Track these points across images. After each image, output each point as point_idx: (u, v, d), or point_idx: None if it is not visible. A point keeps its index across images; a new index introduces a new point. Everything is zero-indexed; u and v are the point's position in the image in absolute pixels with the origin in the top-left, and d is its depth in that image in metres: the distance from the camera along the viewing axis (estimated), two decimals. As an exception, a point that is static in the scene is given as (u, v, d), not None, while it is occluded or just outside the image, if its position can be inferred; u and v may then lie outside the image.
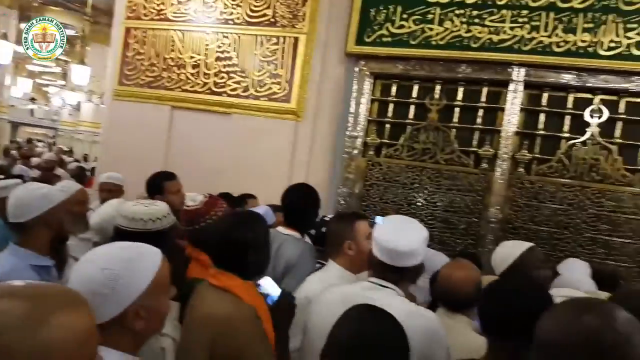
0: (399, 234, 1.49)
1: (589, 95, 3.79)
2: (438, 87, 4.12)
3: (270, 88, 4.19)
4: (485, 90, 4.02)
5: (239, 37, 4.29)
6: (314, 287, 1.71)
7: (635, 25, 3.53)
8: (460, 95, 4.08)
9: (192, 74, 4.44)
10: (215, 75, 4.37)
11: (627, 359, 0.81)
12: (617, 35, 3.57)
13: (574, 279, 2.30)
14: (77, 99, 15.72)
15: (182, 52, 4.47)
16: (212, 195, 2.09)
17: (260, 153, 4.15)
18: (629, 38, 3.54)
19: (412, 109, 4.20)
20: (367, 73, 4.20)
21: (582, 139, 3.78)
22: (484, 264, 3.10)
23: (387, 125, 4.28)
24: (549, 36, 3.70)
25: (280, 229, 2.27)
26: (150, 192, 2.90)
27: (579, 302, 0.95)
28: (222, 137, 4.26)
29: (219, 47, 4.36)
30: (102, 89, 11.46)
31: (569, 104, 3.84)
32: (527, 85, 3.88)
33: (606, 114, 3.73)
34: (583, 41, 3.64)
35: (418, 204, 4.14)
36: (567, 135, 3.83)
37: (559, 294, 1.66)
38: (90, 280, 1.06)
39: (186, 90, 4.44)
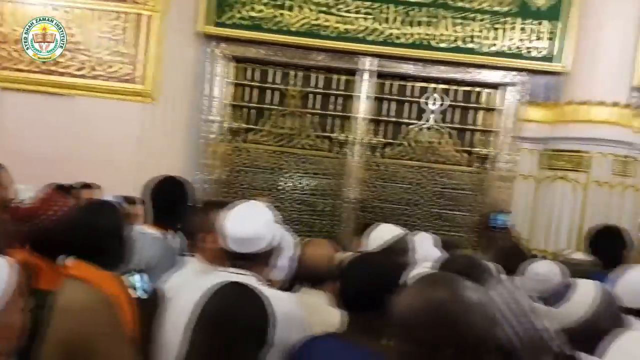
0: (242, 221, 1.46)
1: (428, 85, 4.19)
2: (296, 74, 4.17)
3: (116, 68, 3.82)
4: (338, 78, 4.20)
5: (80, 11, 3.82)
6: (172, 285, 1.60)
7: (466, 21, 3.97)
8: (316, 83, 4.19)
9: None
10: (51, 52, 3.84)
11: (473, 328, 0.87)
12: (450, 30, 3.97)
13: (429, 254, 2.46)
14: None
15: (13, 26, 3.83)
16: (52, 189, 1.83)
17: (106, 138, 3.77)
18: (461, 32, 3.98)
19: (272, 94, 4.20)
20: (224, 56, 4.08)
21: (424, 124, 4.17)
22: (344, 242, 3.25)
23: (248, 110, 4.22)
24: (394, 28, 3.98)
25: (142, 227, 2.09)
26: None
27: (427, 278, 1.00)
28: (61, 122, 3.79)
29: (54, 21, 3.83)
30: None
31: (412, 92, 4.21)
32: (376, 74, 4.13)
33: (442, 101, 4.16)
34: (423, 34, 3.98)
35: (282, 188, 4.18)
36: (411, 121, 4.20)
37: (423, 267, 1.78)
38: None
39: (15, 70, 3.83)
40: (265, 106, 4.18)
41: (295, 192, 4.19)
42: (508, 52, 3.98)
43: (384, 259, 1.56)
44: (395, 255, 2.04)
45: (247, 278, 1.34)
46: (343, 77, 4.20)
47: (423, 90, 4.21)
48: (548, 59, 3.96)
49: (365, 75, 4.12)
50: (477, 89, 4.20)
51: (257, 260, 1.47)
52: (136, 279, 1.65)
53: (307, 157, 4.17)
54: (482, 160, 4.18)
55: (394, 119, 4.21)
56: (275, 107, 4.18)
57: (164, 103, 3.89)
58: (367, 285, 1.31)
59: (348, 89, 4.21)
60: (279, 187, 4.19)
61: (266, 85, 4.19)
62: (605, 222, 3.47)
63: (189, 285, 1.48)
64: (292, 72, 4.17)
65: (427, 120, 4.17)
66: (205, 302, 1.17)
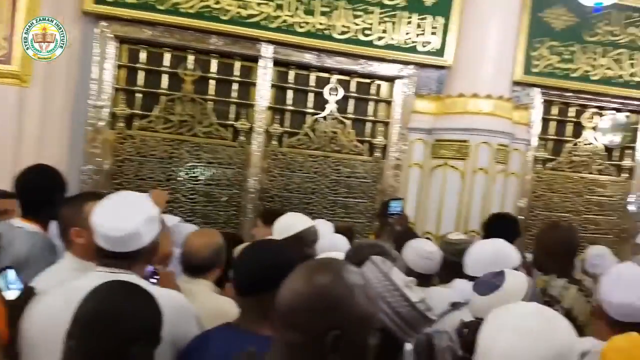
0: (115, 217, 1.31)
1: (327, 75, 4.26)
2: (191, 57, 3.99)
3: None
4: (238, 64, 4.10)
5: None
6: (44, 283, 1.46)
7: (361, 13, 4.08)
8: (214, 68, 4.06)
9: None
10: None
11: (356, 310, 0.89)
12: (348, 21, 4.06)
13: (331, 241, 2.51)
14: None
15: None
16: None
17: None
18: (356, 24, 4.08)
19: (165, 78, 3.98)
20: (111, 36, 3.77)
21: (323, 114, 4.26)
22: (244, 234, 3.20)
23: (138, 95, 3.95)
24: (292, 16, 3.97)
25: (14, 220, 1.95)
26: None
27: (310, 264, 1.00)
28: None
29: None
30: None
31: (312, 82, 4.25)
32: (276, 62, 4.11)
33: (341, 92, 4.27)
34: (321, 24, 4.03)
35: (178, 178, 4.01)
36: (311, 110, 4.25)
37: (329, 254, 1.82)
38: None
39: None
40: (159, 91, 3.96)
41: (193, 182, 4.04)
42: (400, 45, 4.16)
43: (284, 244, 1.57)
44: (301, 243, 2.09)
45: (128, 277, 1.25)
46: (242, 64, 4.10)
47: (321, 80, 4.26)
48: (437, 52, 4.20)
49: (266, 63, 4.07)
50: (373, 81, 4.35)
51: (138, 259, 1.38)
52: (8, 277, 1.50)
53: (205, 145, 4.04)
54: (379, 149, 4.36)
55: (294, 108, 4.22)
56: (170, 92, 3.97)
57: (45, 87, 3.53)
58: (263, 271, 1.30)
59: (247, 75, 4.14)
60: (174, 177, 4.01)
61: (160, 69, 3.96)
62: (493, 208, 3.86)
63: (64, 284, 1.36)
64: (186, 55, 3.98)
65: (327, 111, 4.24)
66: (90, 303, 1.10)
